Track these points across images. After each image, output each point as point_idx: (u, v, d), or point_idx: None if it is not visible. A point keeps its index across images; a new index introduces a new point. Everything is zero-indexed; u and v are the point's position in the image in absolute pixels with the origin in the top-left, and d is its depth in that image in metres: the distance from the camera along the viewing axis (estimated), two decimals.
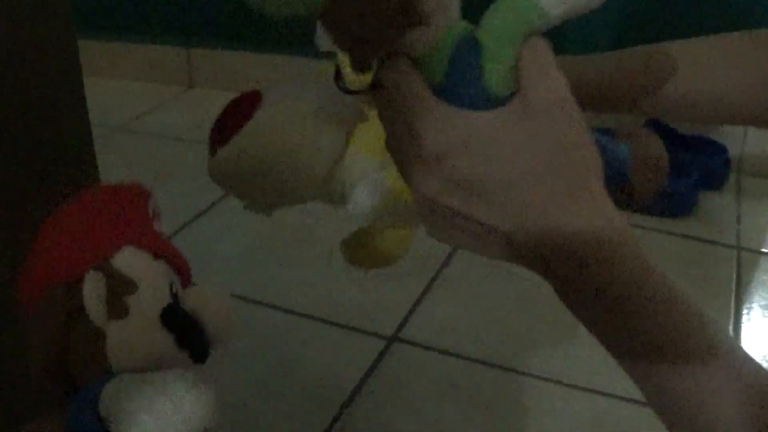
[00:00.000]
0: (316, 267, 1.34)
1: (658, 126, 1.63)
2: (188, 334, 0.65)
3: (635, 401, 1.06)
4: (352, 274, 1.33)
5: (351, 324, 1.20)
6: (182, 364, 0.63)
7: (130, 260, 0.64)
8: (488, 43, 0.48)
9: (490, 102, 0.48)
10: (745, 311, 1.26)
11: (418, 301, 1.26)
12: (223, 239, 1.42)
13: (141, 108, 1.96)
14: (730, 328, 1.23)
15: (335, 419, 1.03)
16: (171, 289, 0.66)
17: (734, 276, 1.35)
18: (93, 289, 0.61)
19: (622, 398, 1.07)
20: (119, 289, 0.62)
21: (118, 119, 1.86)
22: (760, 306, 1.28)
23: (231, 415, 0.99)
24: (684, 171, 1.54)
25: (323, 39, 0.52)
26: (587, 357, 1.12)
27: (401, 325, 1.20)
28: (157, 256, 0.66)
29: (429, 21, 0.48)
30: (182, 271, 0.68)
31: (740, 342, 1.19)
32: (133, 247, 0.65)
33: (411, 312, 1.24)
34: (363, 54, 0.51)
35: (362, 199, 0.72)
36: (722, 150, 1.65)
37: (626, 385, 0.46)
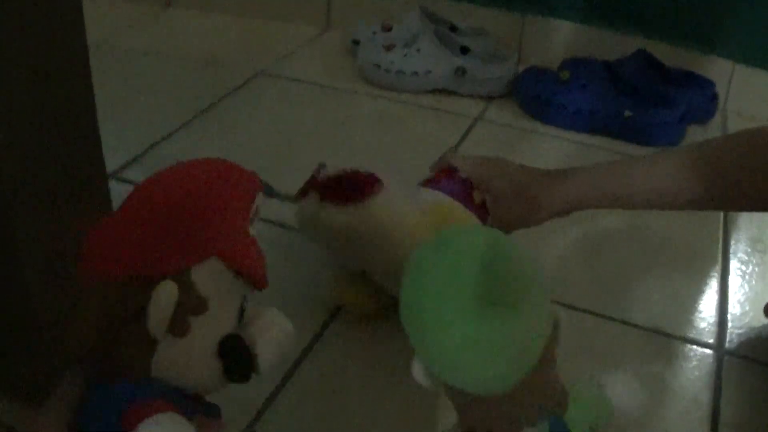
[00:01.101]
0: (290, 184, 1.31)
1: (646, 58, 1.61)
2: (239, 368, 0.63)
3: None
4: None
5: None
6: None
7: (209, 276, 0.60)
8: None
9: None
10: (732, 241, 1.26)
11: None
12: (202, 153, 1.38)
13: (116, 27, 1.91)
14: (719, 256, 1.22)
15: (324, 324, 1.02)
16: (240, 311, 0.63)
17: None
18: (161, 302, 0.56)
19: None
20: (188, 307, 0.58)
21: (93, 37, 1.80)
22: (747, 238, 1.27)
23: None
24: (671, 104, 1.52)
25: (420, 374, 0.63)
26: None
27: None
28: (239, 273, 0.62)
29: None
30: (258, 282, 0.64)
31: (728, 272, 1.19)
32: (218, 259, 0.60)
33: None
34: None
35: None
36: (710, 85, 1.63)
37: None
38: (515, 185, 0.98)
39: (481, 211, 0.99)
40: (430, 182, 1.02)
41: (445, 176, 1.01)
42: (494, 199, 0.99)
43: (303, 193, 0.98)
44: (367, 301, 0.99)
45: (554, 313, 0.63)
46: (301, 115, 1.56)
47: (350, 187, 0.92)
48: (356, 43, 1.78)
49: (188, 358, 0.60)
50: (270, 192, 1.05)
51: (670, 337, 1.04)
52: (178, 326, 0.58)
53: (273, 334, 0.65)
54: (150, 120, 1.49)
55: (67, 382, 0.63)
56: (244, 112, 1.56)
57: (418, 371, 0.62)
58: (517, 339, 0.57)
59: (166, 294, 0.56)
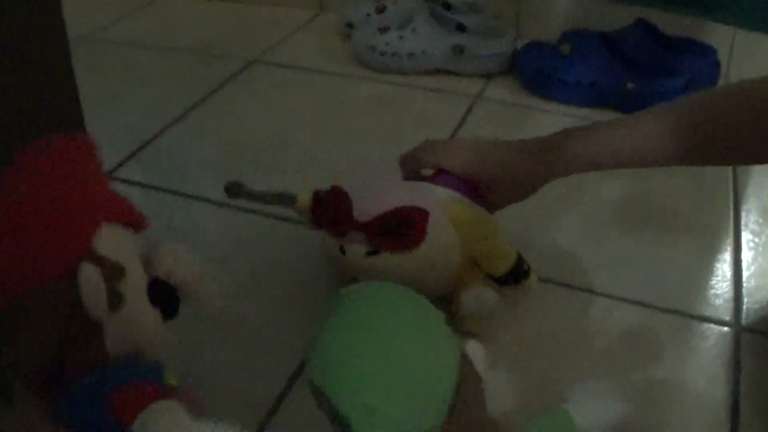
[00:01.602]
0: (290, 172, 1.30)
1: (645, 27, 1.58)
2: (171, 304, 0.64)
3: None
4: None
5: None
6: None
7: (110, 240, 0.59)
8: None
9: None
10: (743, 213, 1.23)
11: None
12: (199, 145, 1.37)
13: (107, 17, 1.89)
14: (731, 228, 1.20)
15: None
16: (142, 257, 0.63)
17: (730, 178, 1.32)
18: (90, 284, 0.56)
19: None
20: (112, 279, 0.58)
21: (82, 29, 1.79)
22: (758, 208, 1.25)
23: (216, 321, 0.94)
24: (673, 73, 1.50)
25: None
26: None
27: None
28: (125, 224, 0.62)
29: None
30: (140, 223, 0.64)
31: (741, 246, 1.16)
32: (107, 222, 0.60)
33: None
34: None
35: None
36: (711, 51, 1.60)
37: None
38: (506, 172, 0.97)
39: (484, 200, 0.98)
40: (428, 178, 0.99)
41: (442, 171, 0.98)
42: (488, 187, 0.98)
43: (340, 231, 0.93)
44: None
45: (462, 349, 0.62)
46: (298, 102, 1.53)
47: (408, 232, 0.89)
48: (350, 26, 1.75)
49: (134, 322, 0.60)
50: (236, 192, 1.04)
51: (685, 316, 1.02)
52: (113, 299, 0.58)
53: (179, 261, 0.66)
54: (144, 113, 1.47)
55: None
56: (240, 102, 1.53)
57: None
58: (420, 394, 0.57)
59: (89, 275, 0.56)
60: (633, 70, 1.51)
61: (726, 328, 1.01)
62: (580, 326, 1.00)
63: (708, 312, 1.03)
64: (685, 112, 0.95)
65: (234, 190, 1.05)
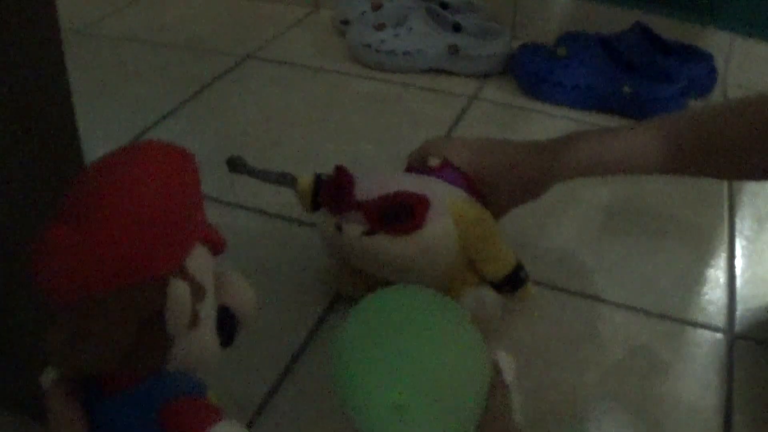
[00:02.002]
0: (291, 167, 1.28)
1: (643, 31, 1.58)
2: (232, 336, 0.64)
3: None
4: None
5: None
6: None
7: (199, 261, 0.59)
8: None
9: None
10: (738, 220, 1.23)
11: None
12: (191, 139, 1.36)
13: (99, 12, 1.87)
14: (725, 235, 1.20)
15: (320, 319, 0.99)
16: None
17: (725, 185, 1.32)
18: (178, 301, 0.56)
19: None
20: (195, 299, 0.58)
21: (75, 23, 1.77)
22: (753, 215, 1.25)
23: None
24: (670, 78, 1.49)
25: None
26: None
27: None
28: (211, 248, 0.63)
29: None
30: (221, 248, 0.65)
31: (735, 253, 1.16)
32: (200, 243, 0.60)
33: None
34: None
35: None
36: (708, 57, 1.60)
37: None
38: (513, 170, 0.96)
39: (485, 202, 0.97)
40: (434, 170, 0.98)
41: (443, 165, 0.97)
42: (492, 187, 0.96)
43: (340, 208, 0.92)
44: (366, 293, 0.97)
45: (493, 357, 0.61)
46: (292, 98, 1.52)
47: (406, 217, 0.88)
48: (345, 23, 1.74)
49: (200, 345, 0.60)
50: (238, 167, 1.03)
51: (679, 322, 1.02)
52: (192, 319, 0.58)
53: (243, 294, 0.66)
54: (137, 108, 1.46)
55: (55, 397, 0.60)
56: (234, 97, 1.52)
57: None
58: (449, 395, 0.56)
59: (180, 293, 0.56)
60: (630, 74, 1.50)
61: (719, 335, 1.00)
62: (574, 331, 0.99)
63: (701, 318, 1.03)
64: (690, 122, 0.96)
65: (236, 164, 1.03)
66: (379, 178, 0.93)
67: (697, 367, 0.95)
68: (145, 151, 0.59)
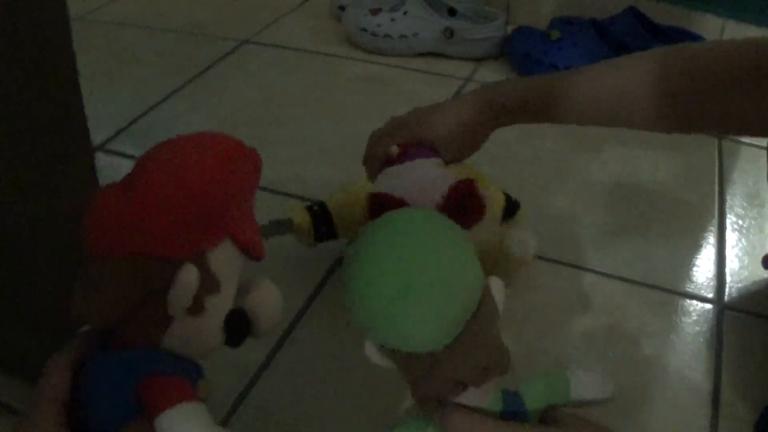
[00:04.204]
0: (289, 146, 1.31)
1: (636, 15, 1.60)
2: (240, 337, 0.64)
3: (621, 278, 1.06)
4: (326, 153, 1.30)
5: None
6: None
7: (223, 258, 0.60)
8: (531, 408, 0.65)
9: None
10: (728, 197, 1.25)
11: None
12: (190, 120, 1.38)
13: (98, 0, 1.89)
14: (716, 211, 1.22)
15: (319, 285, 1.02)
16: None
17: (716, 163, 1.34)
18: (184, 286, 0.57)
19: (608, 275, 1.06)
20: (203, 289, 0.58)
21: (76, 9, 1.78)
22: (743, 193, 1.27)
23: None
24: None
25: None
26: None
27: None
28: (244, 250, 0.63)
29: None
30: (258, 256, 0.65)
31: (725, 227, 1.18)
32: (230, 241, 0.61)
33: None
34: None
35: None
36: (701, 41, 1.62)
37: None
38: (458, 129, 0.97)
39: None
40: (405, 155, 0.97)
41: (411, 146, 0.97)
42: (445, 148, 0.97)
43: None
44: None
45: (486, 281, 0.64)
46: (289, 82, 1.54)
47: (473, 205, 0.89)
48: (342, 8, 1.76)
49: (199, 333, 0.60)
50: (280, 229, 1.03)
51: (669, 293, 1.04)
52: (194, 306, 0.59)
53: (270, 304, 0.66)
54: (136, 91, 1.48)
55: (62, 355, 0.62)
56: (232, 80, 1.54)
57: (370, 349, 0.63)
58: (449, 283, 0.59)
59: (189, 278, 0.57)
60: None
61: (709, 305, 1.02)
62: (566, 300, 1.01)
63: (692, 289, 1.05)
64: (659, 62, 0.93)
65: None
66: (413, 185, 0.92)
67: (687, 337, 0.97)
68: (208, 139, 0.61)
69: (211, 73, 1.56)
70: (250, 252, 0.63)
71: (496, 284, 0.63)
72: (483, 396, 0.62)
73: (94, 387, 0.59)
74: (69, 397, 0.59)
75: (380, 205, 0.87)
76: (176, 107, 1.43)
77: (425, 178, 0.91)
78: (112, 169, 1.16)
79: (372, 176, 0.97)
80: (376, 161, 0.97)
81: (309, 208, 1.00)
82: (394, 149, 0.97)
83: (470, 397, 0.62)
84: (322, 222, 1.00)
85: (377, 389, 0.87)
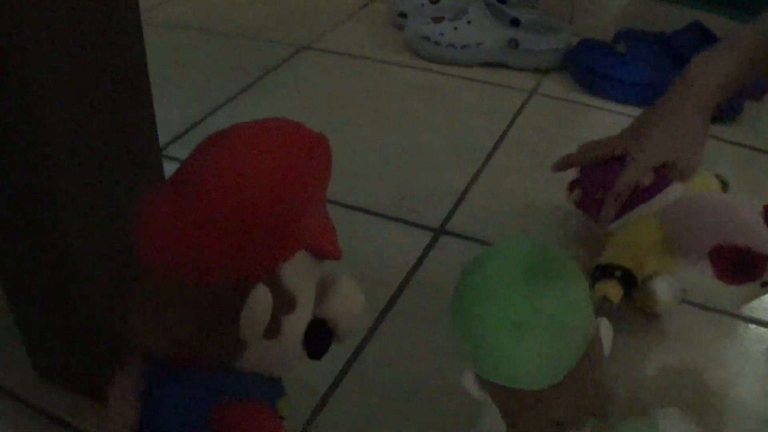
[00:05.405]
0: (351, 156, 1.29)
1: (700, 30, 1.56)
2: (323, 349, 0.61)
3: None
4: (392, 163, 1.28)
5: (397, 216, 1.15)
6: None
7: (295, 269, 0.55)
8: None
9: None
10: None
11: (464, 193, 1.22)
12: None
13: (154, 1, 1.88)
14: None
15: (386, 308, 0.99)
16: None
17: None
18: (257, 310, 0.53)
19: None
20: (279, 309, 0.54)
21: None
22: None
23: None
24: None
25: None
26: None
27: (448, 218, 1.16)
28: (321, 257, 0.57)
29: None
30: (335, 257, 0.60)
31: None
32: (305, 251, 0.55)
33: (457, 204, 1.19)
34: None
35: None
36: None
37: None
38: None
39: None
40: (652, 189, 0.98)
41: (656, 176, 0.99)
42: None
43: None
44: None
45: (596, 319, 0.63)
46: (349, 90, 1.52)
47: (751, 268, 0.85)
48: (402, 15, 1.74)
49: (278, 355, 0.57)
50: None
51: (741, 319, 1.01)
52: (270, 329, 0.54)
53: (351, 308, 0.62)
54: (192, 96, 1.47)
55: (126, 377, 0.59)
56: (290, 87, 1.52)
57: (468, 380, 0.63)
58: (560, 324, 0.57)
59: (261, 301, 0.53)
60: None
61: None
62: (637, 327, 0.99)
63: (756, 314, 1.02)
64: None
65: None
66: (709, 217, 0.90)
67: (758, 363, 0.94)
68: (272, 128, 0.57)
69: (269, 79, 1.54)
70: (330, 257, 0.58)
71: (604, 326, 0.61)
72: None
73: (165, 413, 0.56)
74: (137, 422, 0.57)
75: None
76: (234, 113, 1.41)
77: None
78: (168, 175, 1.14)
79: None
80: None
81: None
82: (647, 180, 0.98)
83: None
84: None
85: (448, 415, 0.85)
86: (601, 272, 0.92)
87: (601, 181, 0.99)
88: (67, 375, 0.84)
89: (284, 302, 0.55)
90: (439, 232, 1.12)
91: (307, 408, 0.85)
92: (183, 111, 1.40)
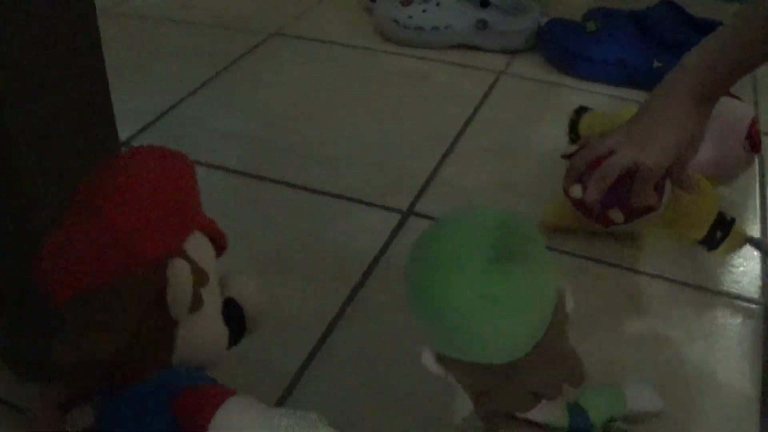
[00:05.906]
0: (329, 144, 1.28)
1: (672, 7, 1.56)
2: (240, 331, 0.63)
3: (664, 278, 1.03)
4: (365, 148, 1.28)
5: (366, 200, 1.15)
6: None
7: (199, 246, 0.59)
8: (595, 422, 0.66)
9: None
10: None
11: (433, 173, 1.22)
12: (218, 114, 1.36)
13: None
14: (757, 203, 1.20)
15: (354, 289, 0.99)
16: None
17: (757, 160, 1.30)
18: (179, 280, 0.55)
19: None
20: (195, 281, 0.57)
21: (99, 3, 1.77)
22: None
23: None
24: None
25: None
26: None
27: (416, 199, 1.16)
28: (212, 240, 0.62)
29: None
30: (222, 246, 0.64)
31: (767, 216, 1.15)
32: (199, 231, 0.60)
33: (426, 185, 1.19)
34: None
35: None
36: None
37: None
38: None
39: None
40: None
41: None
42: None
43: None
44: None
45: (560, 286, 0.62)
46: (322, 76, 1.52)
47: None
48: (373, 0, 1.73)
49: (205, 331, 0.59)
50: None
51: (714, 293, 1.01)
52: (194, 301, 0.57)
53: (252, 290, 0.66)
54: (162, 86, 1.46)
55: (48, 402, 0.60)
56: (261, 73, 1.52)
57: (428, 358, 0.61)
58: (529, 295, 0.56)
59: (181, 271, 0.55)
60: (660, 48, 1.49)
61: (755, 306, 1.00)
62: (610, 301, 0.99)
63: (736, 289, 1.02)
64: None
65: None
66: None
67: (735, 337, 0.95)
68: (141, 153, 0.60)
69: (240, 66, 1.54)
70: (220, 243, 0.63)
71: (568, 292, 0.61)
72: (552, 411, 0.60)
73: (126, 424, 0.57)
74: None
75: None
76: (204, 102, 1.41)
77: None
78: None
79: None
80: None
81: None
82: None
83: (540, 412, 0.59)
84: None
85: (419, 399, 0.85)
86: (720, 224, 1.00)
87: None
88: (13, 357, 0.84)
89: (199, 274, 0.58)
90: (408, 213, 1.12)
91: (275, 391, 0.85)
92: (152, 101, 1.39)
